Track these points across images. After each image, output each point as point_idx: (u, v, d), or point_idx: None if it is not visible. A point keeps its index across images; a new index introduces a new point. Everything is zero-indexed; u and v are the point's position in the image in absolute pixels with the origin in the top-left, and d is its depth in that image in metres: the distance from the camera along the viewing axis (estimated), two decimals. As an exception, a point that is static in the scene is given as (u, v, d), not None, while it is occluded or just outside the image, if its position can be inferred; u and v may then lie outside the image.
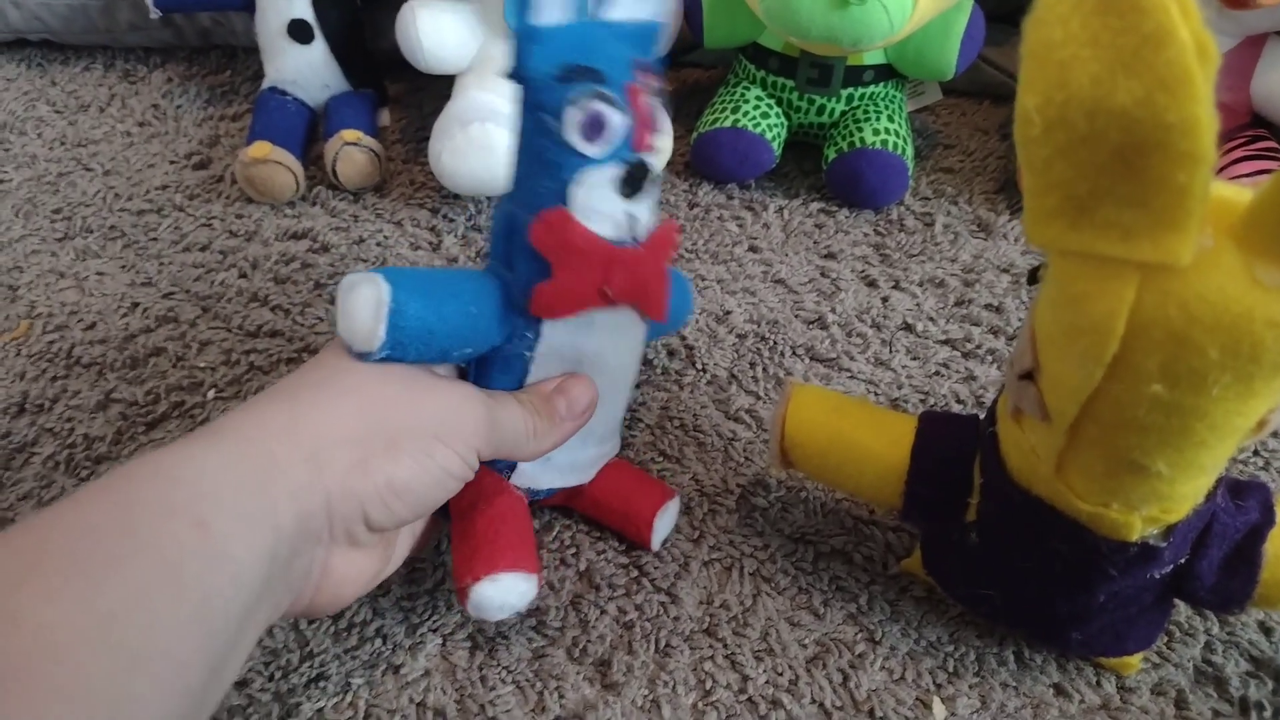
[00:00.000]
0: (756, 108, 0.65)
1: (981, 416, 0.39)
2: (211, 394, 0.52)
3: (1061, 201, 0.26)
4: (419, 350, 0.35)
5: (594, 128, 0.35)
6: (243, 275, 0.60)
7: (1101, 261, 0.27)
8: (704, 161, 0.66)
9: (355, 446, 0.32)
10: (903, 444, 0.39)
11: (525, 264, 0.38)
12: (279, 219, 0.64)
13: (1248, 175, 0.58)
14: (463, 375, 0.41)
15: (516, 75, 0.36)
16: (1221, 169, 0.59)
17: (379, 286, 0.34)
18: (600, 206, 0.37)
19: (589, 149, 0.35)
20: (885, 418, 0.41)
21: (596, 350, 0.40)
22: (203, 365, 0.54)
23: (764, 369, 0.54)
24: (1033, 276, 0.33)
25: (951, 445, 0.38)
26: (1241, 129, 0.62)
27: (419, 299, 0.35)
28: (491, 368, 0.40)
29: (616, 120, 0.35)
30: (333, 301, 0.58)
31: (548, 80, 0.35)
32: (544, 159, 0.36)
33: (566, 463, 0.42)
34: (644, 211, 0.39)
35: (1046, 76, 0.24)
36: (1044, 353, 0.31)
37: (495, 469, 0.41)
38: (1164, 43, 0.22)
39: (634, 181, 0.37)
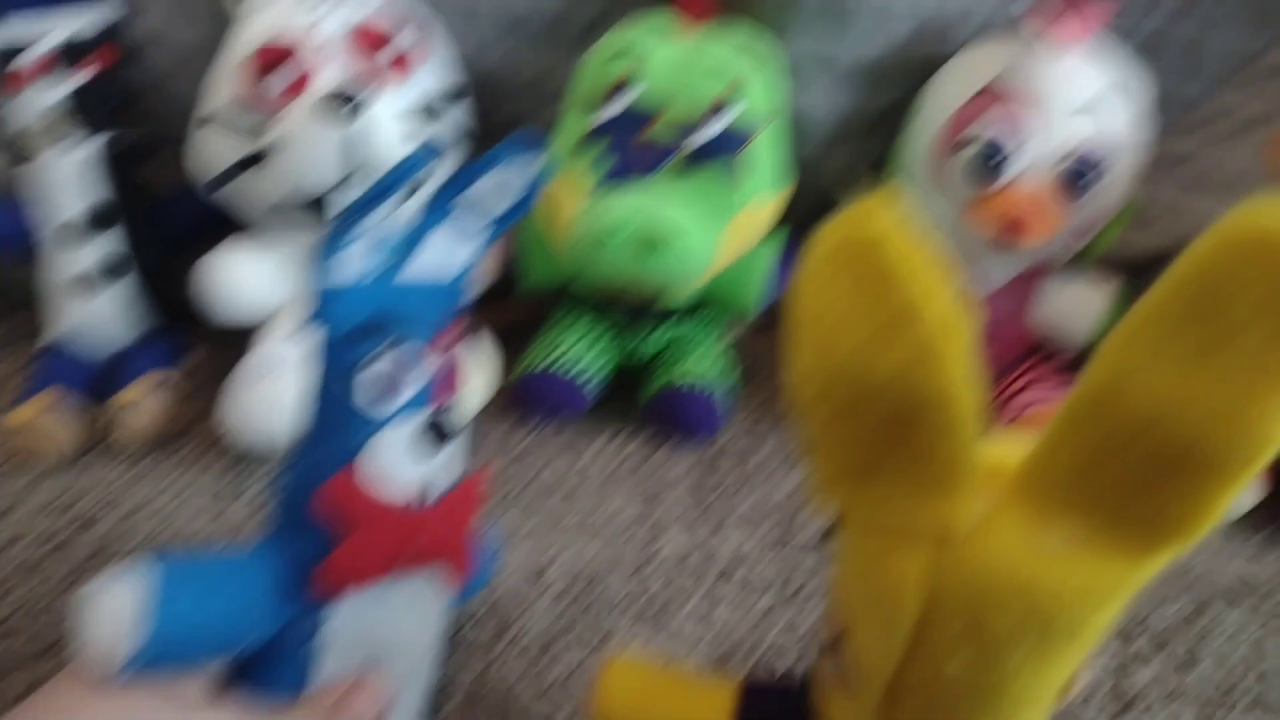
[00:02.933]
0: (576, 348, 0.65)
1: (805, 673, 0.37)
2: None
3: (842, 467, 0.25)
4: (179, 657, 0.32)
5: (389, 386, 0.34)
6: (-14, 560, 0.53)
7: (888, 528, 0.26)
8: (524, 402, 0.65)
9: None
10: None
11: (308, 536, 0.35)
12: (42, 490, 0.58)
13: (1037, 401, 0.61)
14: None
15: (306, 332, 0.35)
16: (1011, 396, 0.63)
17: (127, 588, 0.31)
18: (395, 467, 0.35)
19: (383, 407, 0.35)
20: (702, 693, 0.38)
21: (393, 629, 0.37)
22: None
23: (582, 631, 0.50)
24: (830, 531, 0.32)
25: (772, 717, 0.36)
26: (1028, 355, 0.66)
27: (176, 596, 0.32)
28: (270, 662, 0.36)
29: (413, 378, 0.35)
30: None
31: (340, 338, 0.34)
32: (334, 419, 0.35)
33: None
34: (443, 470, 0.37)
35: (811, 346, 0.24)
36: (847, 622, 0.29)
37: None
38: (916, 317, 0.22)
39: (433, 439, 0.36)
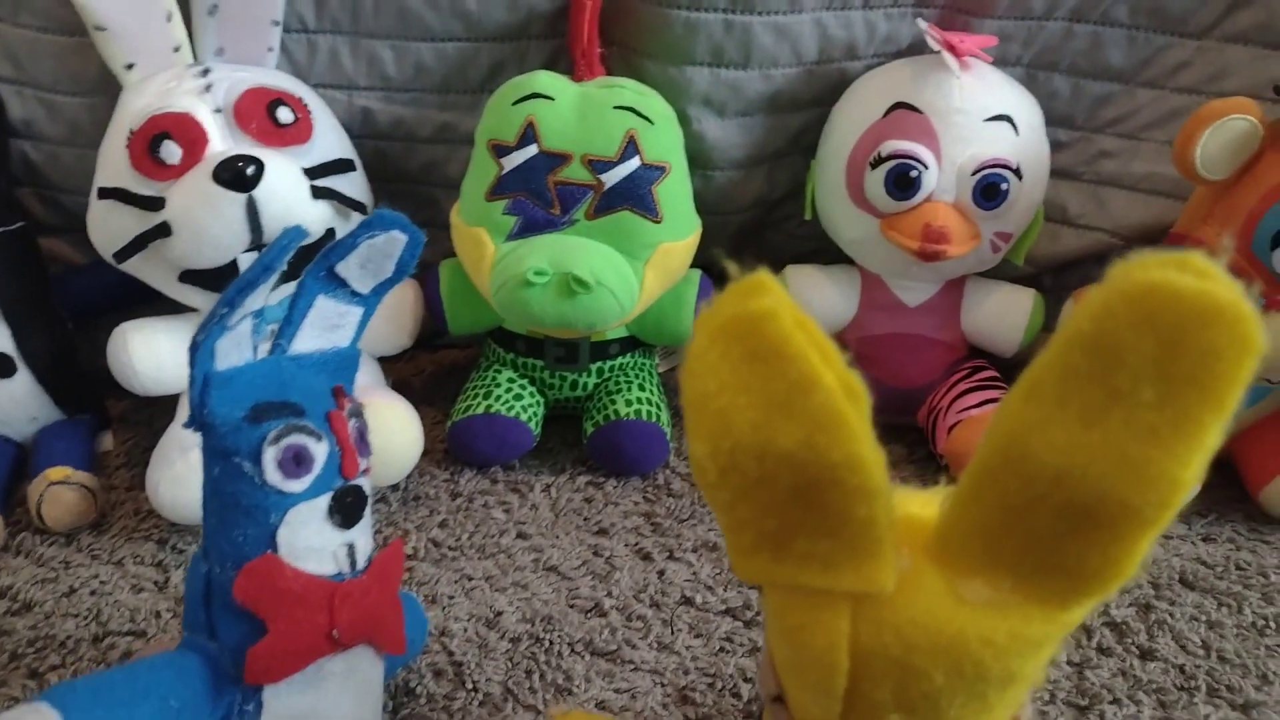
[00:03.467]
0: (509, 390, 0.64)
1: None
2: None
3: (757, 538, 0.25)
4: None
5: (297, 462, 0.34)
6: (-80, 656, 0.51)
7: (810, 592, 0.25)
8: (461, 449, 0.64)
9: None
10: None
11: (232, 627, 0.35)
12: (-28, 577, 0.56)
13: (975, 406, 0.61)
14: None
15: (198, 424, 0.34)
16: (950, 403, 0.63)
17: (44, 717, 0.30)
18: (313, 543, 0.35)
19: (293, 485, 0.34)
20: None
21: (334, 706, 0.37)
22: None
23: (541, 676, 0.50)
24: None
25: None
26: (961, 362, 0.66)
27: (100, 715, 0.31)
28: None
29: (320, 450, 0.34)
30: (32, 675, 0.50)
31: (236, 423, 0.33)
32: (242, 505, 0.34)
33: None
34: (363, 538, 0.37)
35: (709, 425, 0.23)
36: (784, 681, 0.29)
37: None
38: (811, 388, 0.22)
39: (347, 510, 0.36)
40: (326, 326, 0.36)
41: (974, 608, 0.24)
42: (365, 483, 0.37)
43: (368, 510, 0.37)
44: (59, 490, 0.57)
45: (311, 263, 0.35)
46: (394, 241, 0.36)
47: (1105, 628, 0.52)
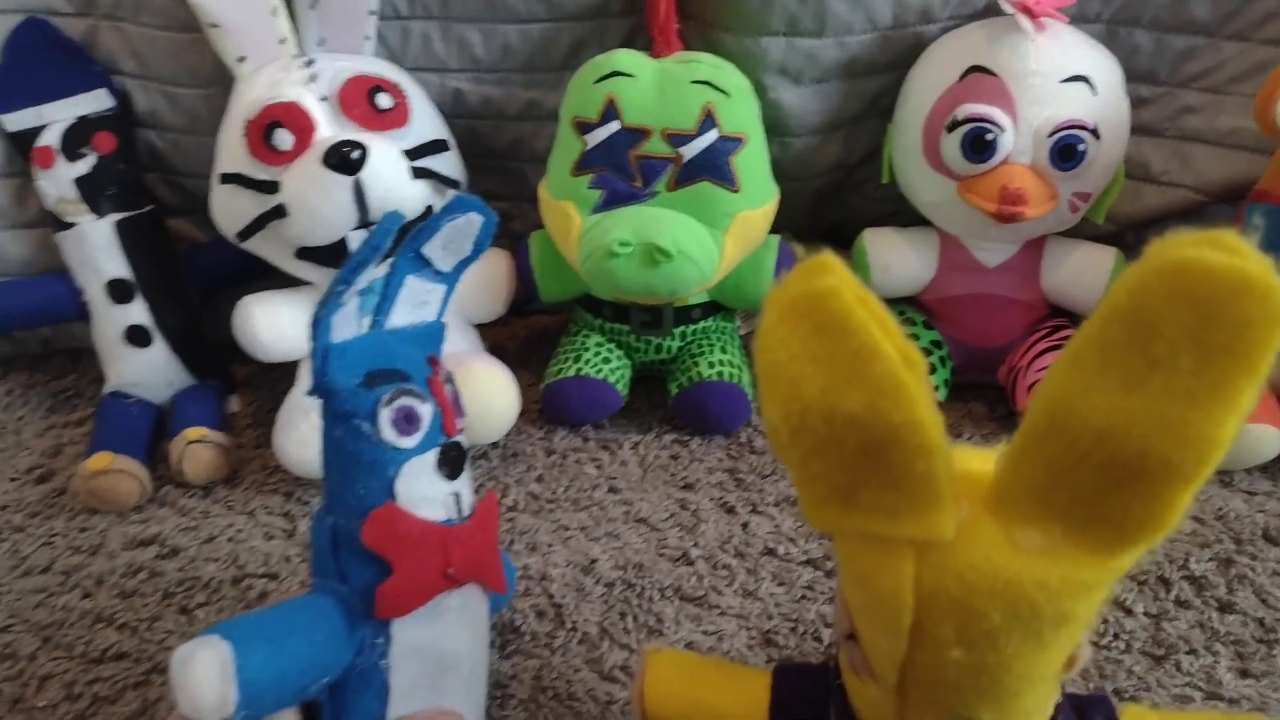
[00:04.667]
0: (597, 354, 0.67)
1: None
2: (48, 742, 0.48)
3: (827, 491, 0.27)
4: (275, 699, 0.35)
5: (408, 421, 0.37)
6: (86, 595, 0.57)
7: (877, 540, 0.28)
8: (555, 410, 0.67)
9: None
10: (760, 705, 0.39)
11: (360, 570, 0.38)
12: (125, 526, 0.62)
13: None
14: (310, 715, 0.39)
15: (320, 391, 0.37)
16: (1030, 362, 0.63)
17: (218, 647, 0.34)
18: (426, 492, 0.39)
19: (406, 441, 0.38)
20: (741, 678, 0.41)
21: (452, 637, 0.41)
22: (43, 705, 0.50)
23: (634, 618, 0.53)
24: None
25: (805, 701, 0.38)
26: (1042, 321, 0.67)
27: (261, 646, 0.35)
28: (348, 689, 0.39)
29: (426, 411, 0.38)
30: (182, 611, 0.55)
31: (353, 389, 0.37)
32: (363, 461, 0.38)
33: None
34: (466, 489, 0.41)
35: (781, 391, 0.26)
36: (855, 620, 0.31)
37: None
38: (872, 357, 0.24)
39: (453, 462, 0.39)
40: (416, 304, 0.40)
41: (1028, 554, 0.26)
42: (462, 439, 0.40)
43: (467, 464, 0.41)
44: (197, 448, 0.63)
45: (400, 247, 0.39)
46: (472, 223, 0.40)
47: (1184, 581, 0.53)
